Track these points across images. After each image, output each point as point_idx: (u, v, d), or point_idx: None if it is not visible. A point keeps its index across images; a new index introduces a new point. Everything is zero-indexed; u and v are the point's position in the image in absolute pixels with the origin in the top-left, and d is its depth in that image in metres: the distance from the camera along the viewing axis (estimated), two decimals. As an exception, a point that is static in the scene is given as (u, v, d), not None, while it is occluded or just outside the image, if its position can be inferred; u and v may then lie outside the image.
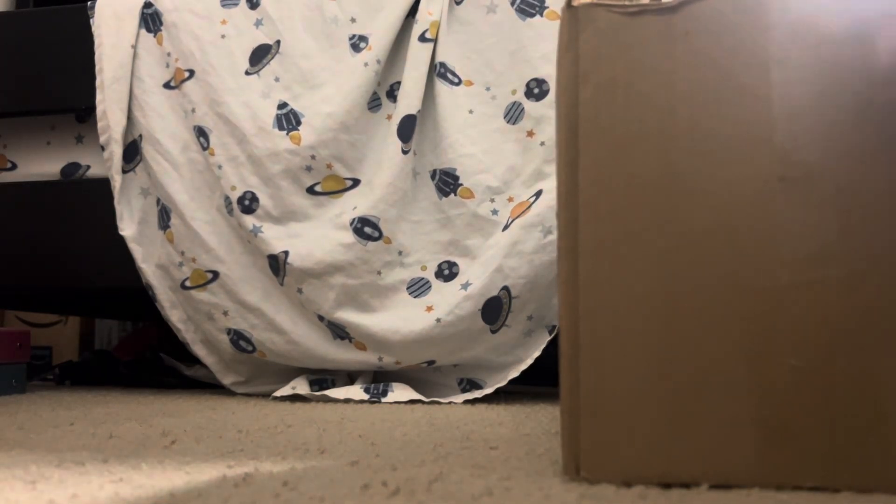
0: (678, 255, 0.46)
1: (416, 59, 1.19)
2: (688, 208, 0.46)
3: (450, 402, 1.12)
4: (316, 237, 1.18)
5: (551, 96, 1.15)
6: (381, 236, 1.16)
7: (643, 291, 0.46)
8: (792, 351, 0.45)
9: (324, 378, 1.24)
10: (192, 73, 1.27)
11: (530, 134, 1.16)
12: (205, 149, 1.24)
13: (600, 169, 0.47)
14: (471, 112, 1.18)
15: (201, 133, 1.25)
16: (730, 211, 0.46)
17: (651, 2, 0.48)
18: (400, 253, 1.17)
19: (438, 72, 1.19)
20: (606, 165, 0.47)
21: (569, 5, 0.48)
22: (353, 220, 1.16)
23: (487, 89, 1.19)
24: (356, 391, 1.14)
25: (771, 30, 0.47)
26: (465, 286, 1.13)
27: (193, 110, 1.26)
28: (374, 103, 1.22)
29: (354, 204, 1.18)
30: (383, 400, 1.12)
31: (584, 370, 0.46)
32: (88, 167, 1.35)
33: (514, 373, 1.15)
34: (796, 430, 0.44)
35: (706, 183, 0.46)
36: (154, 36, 1.31)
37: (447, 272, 1.17)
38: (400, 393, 1.13)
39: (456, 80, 1.19)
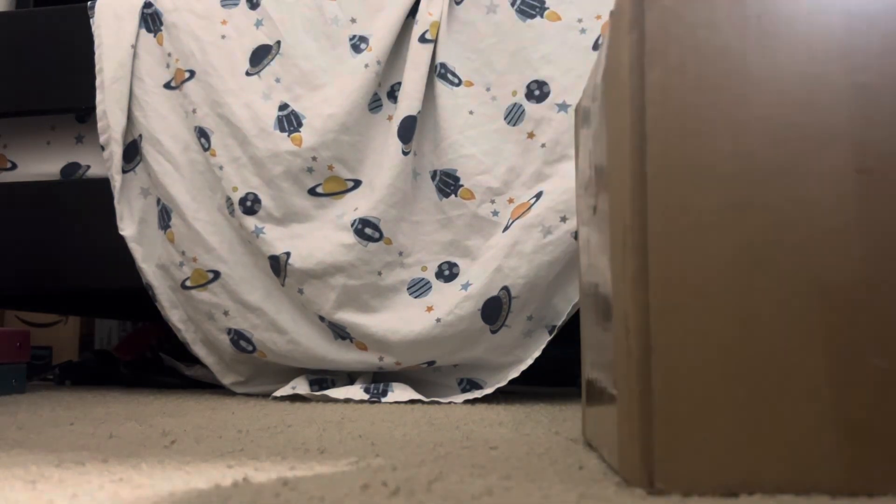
0: (754, 249, 0.44)
1: (417, 59, 1.19)
2: (763, 199, 0.44)
3: (450, 402, 1.12)
4: (317, 238, 1.18)
5: (552, 98, 1.15)
6: (381, 237, 1.16)
7: (718, 288, 0.44)
8: (875, 350, 0.43)
9: (324, 378, 1.24)
10: (192, 73, 1.27)
11: (531, 135, 1.16)
12: (206, 150, 1.24)
13: (670, 157, 0.45)
14: (471, 113, 1.18)
15: (202, 134, 1.25)
16: (806, 203, 0.44)
17: None
18: (400, 253, 1.18)
19: (439, 72, 1.19)
20: (677, 153, 0.45)
21: None
22: (354, 221, 1.16)
23: (488, 90, 1.19)
24: (356, 391, 1.14)
25: (851, 17, 0.45)
26: (465, 286, 1.13)
27: (194, 111, 1.26)
28: (374, 104, 1.22)
29: (355, 205, 1.18)
30: (383, 400, 1.12)
31: (657, 373, 0.44)
32: (88, 167, 1.35)
33: (514, 373, 1.15)
34: (882, 432, 0.42)
35: (781, 173, 0.44)
36: (154, 36, 1.31)
37: (447, 273, 1.17)
38: (400, 393, 1.13)
39: (456, 81, 1.19)
